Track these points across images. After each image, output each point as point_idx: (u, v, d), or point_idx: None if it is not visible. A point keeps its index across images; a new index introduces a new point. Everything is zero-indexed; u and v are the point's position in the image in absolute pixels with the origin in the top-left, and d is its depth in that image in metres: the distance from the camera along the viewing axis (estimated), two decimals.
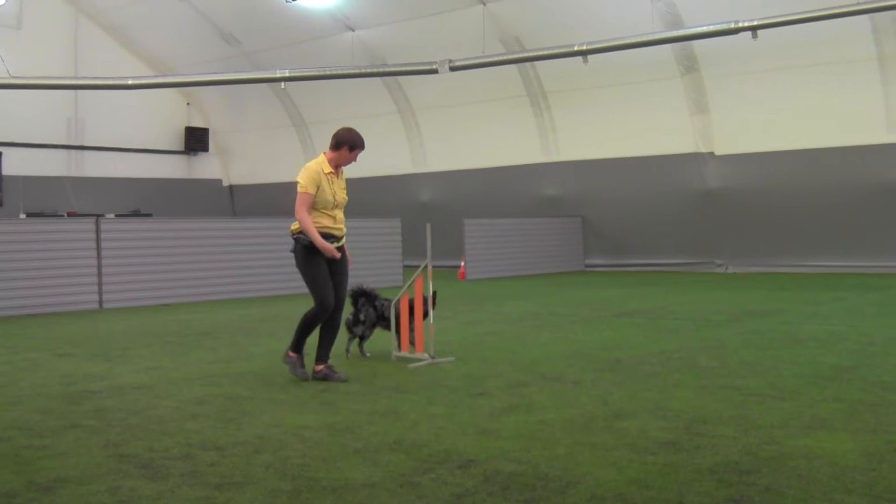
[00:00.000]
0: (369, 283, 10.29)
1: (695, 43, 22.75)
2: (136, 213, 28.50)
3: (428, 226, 10.15)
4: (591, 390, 7.84)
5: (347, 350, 9.91)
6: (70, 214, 26.86)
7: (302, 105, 31.72)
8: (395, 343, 9.92)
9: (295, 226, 8.64)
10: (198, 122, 34.51)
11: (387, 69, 25.91)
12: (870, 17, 20.33)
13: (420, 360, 9.51)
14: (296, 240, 8.63)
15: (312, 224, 8.49)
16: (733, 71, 22.93)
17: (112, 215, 23.92)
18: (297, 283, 19.10)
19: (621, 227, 25.80)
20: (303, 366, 8.67)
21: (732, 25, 20.25)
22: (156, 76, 29.83)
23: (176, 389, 8.28)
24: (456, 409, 7.16)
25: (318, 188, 8.51)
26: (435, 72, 24.29)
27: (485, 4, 24.62)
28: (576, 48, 22.25)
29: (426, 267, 9.69)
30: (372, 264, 19.91)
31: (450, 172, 28.88)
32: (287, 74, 25.39)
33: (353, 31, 27.33)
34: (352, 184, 34.77)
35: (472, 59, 23.95)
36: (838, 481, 5.06)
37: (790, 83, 22.32)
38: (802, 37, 20.75)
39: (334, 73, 25.54)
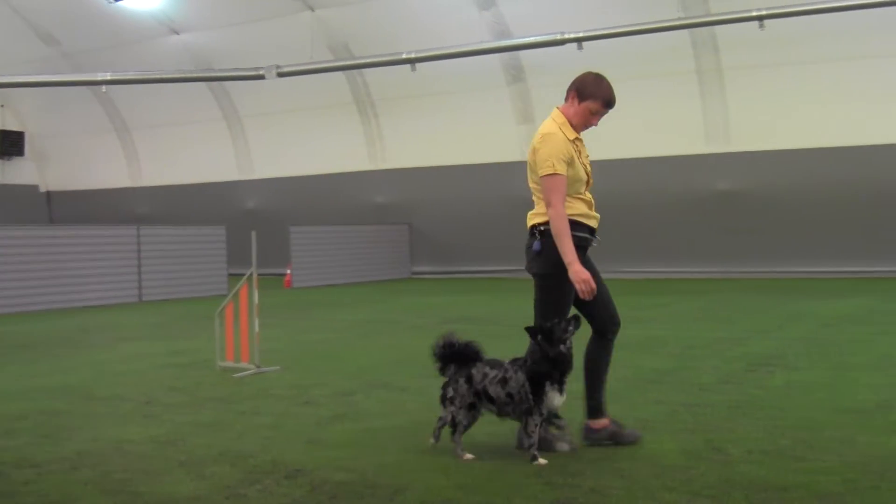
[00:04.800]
0: (193, 291, 9.92)
1: (521, 53, 23.16)
2: None
3: (253, 233, 10.04)
4: (418, 397, 7.87)
5: (436, 436, 6.13)
6: None
7: (125, 109, 30.87)
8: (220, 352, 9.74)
9: (540, 217, 6.28)
10: (13, 125, 33.15)
11: (212, 74, 25.50)
12: (689, 32, 21.13)
13: (245, 369, 9.37)
14: (544, 234, 6.20)
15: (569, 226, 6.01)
16: (559, 81, 23.11)
17: None
18: (120, 293, 18.82)
19: (448, 234, 26.01)
20: (621, 426, 6.15)
21: (559, 37, 20.71)
22: None
23: None
24: (282, 419, 7.09)
25: (569, 164, 6.10)
26: (262, 78, 24.04)
27: (313, 11, 24.50)
28: (404, 56, 22.38)
29: (251, 275, 9.57)
30: (196, 273, 19.58)
31: (276, 179, 28.59)
32: (109, 77, 24.70)
33: (179, 34, 26.80)
34: (173, 191, 34.09)
35: (299, 65, 23.80)
36: (659, 480, 5.22)
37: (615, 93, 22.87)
38: (626, 49, 21.32)
39: (158, 77, 25.04)
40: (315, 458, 5.87)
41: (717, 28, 20.89)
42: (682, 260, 22.69)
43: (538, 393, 5.74)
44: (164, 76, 25.06)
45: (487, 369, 5.89)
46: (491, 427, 6.57)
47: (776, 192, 21.69)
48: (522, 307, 16.19)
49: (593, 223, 6.28)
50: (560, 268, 5.97)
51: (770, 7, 19.17)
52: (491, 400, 5.83)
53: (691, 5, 20.90)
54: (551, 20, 21.30)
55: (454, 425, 5.86)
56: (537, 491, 5.09)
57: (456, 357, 5.98)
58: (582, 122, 6.33)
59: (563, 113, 6.35)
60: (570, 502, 4.89)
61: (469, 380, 5.88)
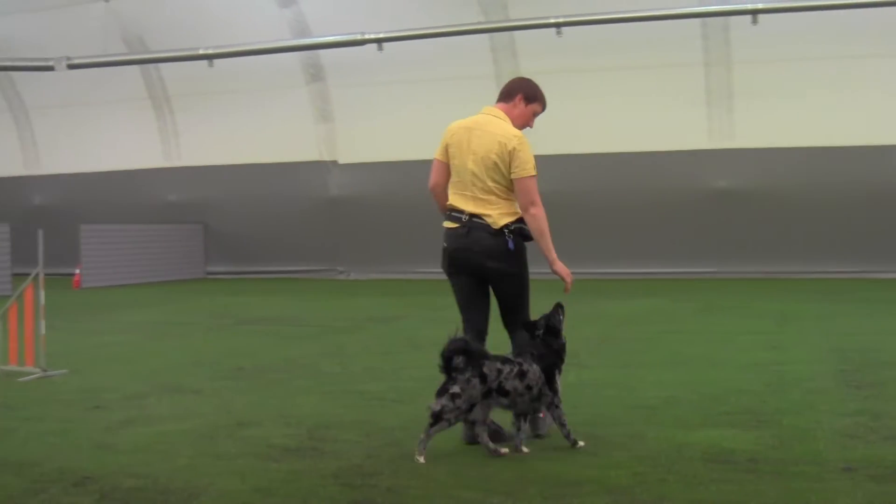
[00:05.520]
0: None
1: (321, 52, 23.09)
2: None
3: (40, 231, 9.65)
4: (212, 399, 7.72)
5: (423, 446, 5.70)
6: None
7: None
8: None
9: (509, 217, 6.36)
10: None
11: None
12: (489, 37, 21.54)
13: (30, 373, 8.98)
14: (515, 232, 6.35)
15: None
16: (359, 81, 23.39)
17: None
18: None
19: (244, 234, 25.62)
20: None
21: (359, 37, 20.81)
22: None
23: None
24: (70, 425, 6.83)
25: None
26: (51, 69, 23.20)
27: (107, 1, 23.74)
28: (201, 52, 22.06)
29: (37, 275, 9.18)
30: None
31: (66, 175, 27.54)
32: None
33: None
34: None
35: (91, 57, 23.08)
36: (456, 479, 5.28)
37: (413, 95, 23.01)
38: (426, 51, 21.52)
39: None
40: (105, 464, 5.67)
41: (517, 33, 21.34)
42: None
43: (552, 382, 5.97)
44: None
45: (500, 365, 5.90)
46: (287, 429, 6.50)
47: (573, 194, 22.22)
48: (319, 307, 16.21)
49: None
50: (525, 262, 6.49)
51: (567, 15, 19.82)
52: (505, 394, 5.83)
53: (491, 10, 21.30)
54: (352, 20, 21.33)
55: (437, 418, 5.67)
56: (334, 492, 5.06)
57: (467, 356, 5.82)
58: (524, 124, 6.50)
59: (506, 114, 6.44)
60: (367, 502, 4.88)
61: (483, 378, 5.76)
